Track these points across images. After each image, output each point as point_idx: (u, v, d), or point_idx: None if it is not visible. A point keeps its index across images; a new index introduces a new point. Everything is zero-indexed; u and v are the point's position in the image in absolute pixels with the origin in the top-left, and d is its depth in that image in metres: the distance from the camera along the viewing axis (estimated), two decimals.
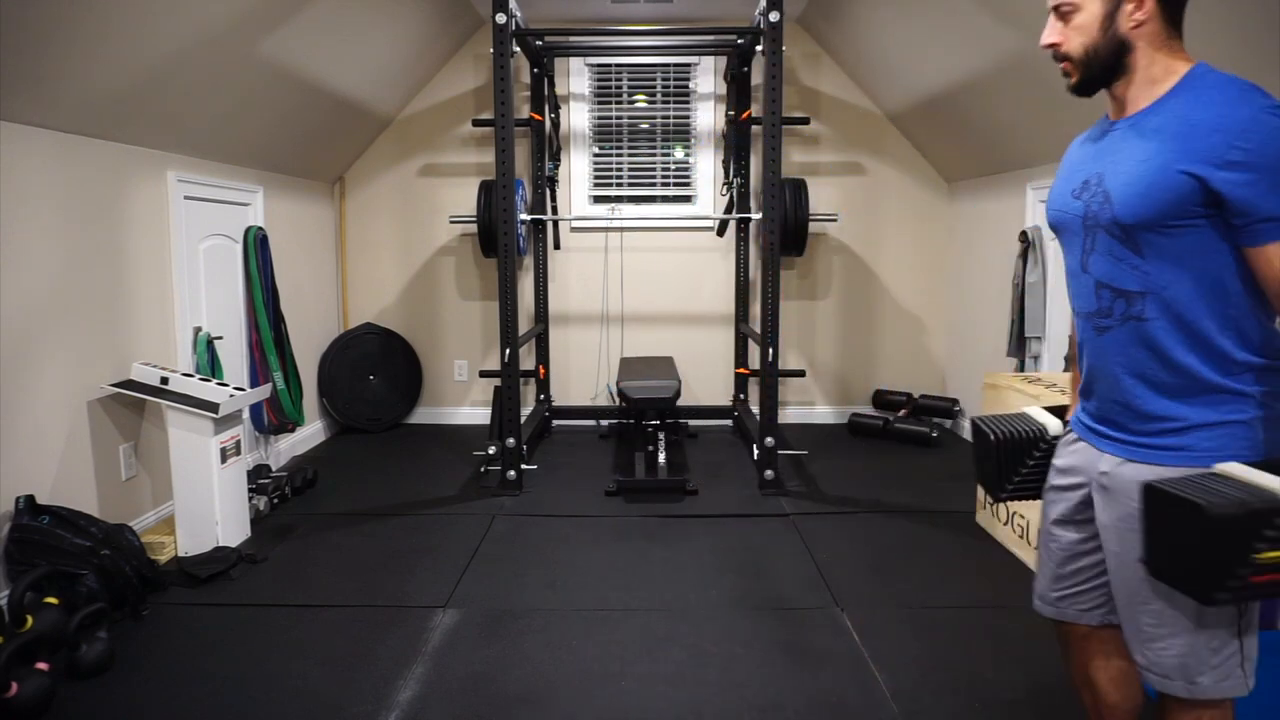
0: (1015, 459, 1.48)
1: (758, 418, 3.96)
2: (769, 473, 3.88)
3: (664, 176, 5.27)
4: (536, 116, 4.87)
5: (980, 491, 3.42)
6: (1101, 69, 1.38)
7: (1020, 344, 4.02)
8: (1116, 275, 1.35)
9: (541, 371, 5.13)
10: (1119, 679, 1.55)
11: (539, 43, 4.58)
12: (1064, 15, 1.39)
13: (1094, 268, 1.38)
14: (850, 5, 4.38)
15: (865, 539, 3.30)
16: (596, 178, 5.25)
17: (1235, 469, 1.22)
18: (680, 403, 4.43)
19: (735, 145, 4.82)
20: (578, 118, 5.15)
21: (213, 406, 2.99)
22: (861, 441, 4.84)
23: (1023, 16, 3.18)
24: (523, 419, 4.35)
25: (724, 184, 4.91)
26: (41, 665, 2.16)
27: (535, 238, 5.05)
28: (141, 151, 3.23)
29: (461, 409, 5.35)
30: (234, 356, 3.88)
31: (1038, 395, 2.95)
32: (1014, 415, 1.54)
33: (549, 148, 4.86)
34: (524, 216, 4.69)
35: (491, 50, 3.70)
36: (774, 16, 3.65)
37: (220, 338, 3.70)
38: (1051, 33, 1.41)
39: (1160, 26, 1.34)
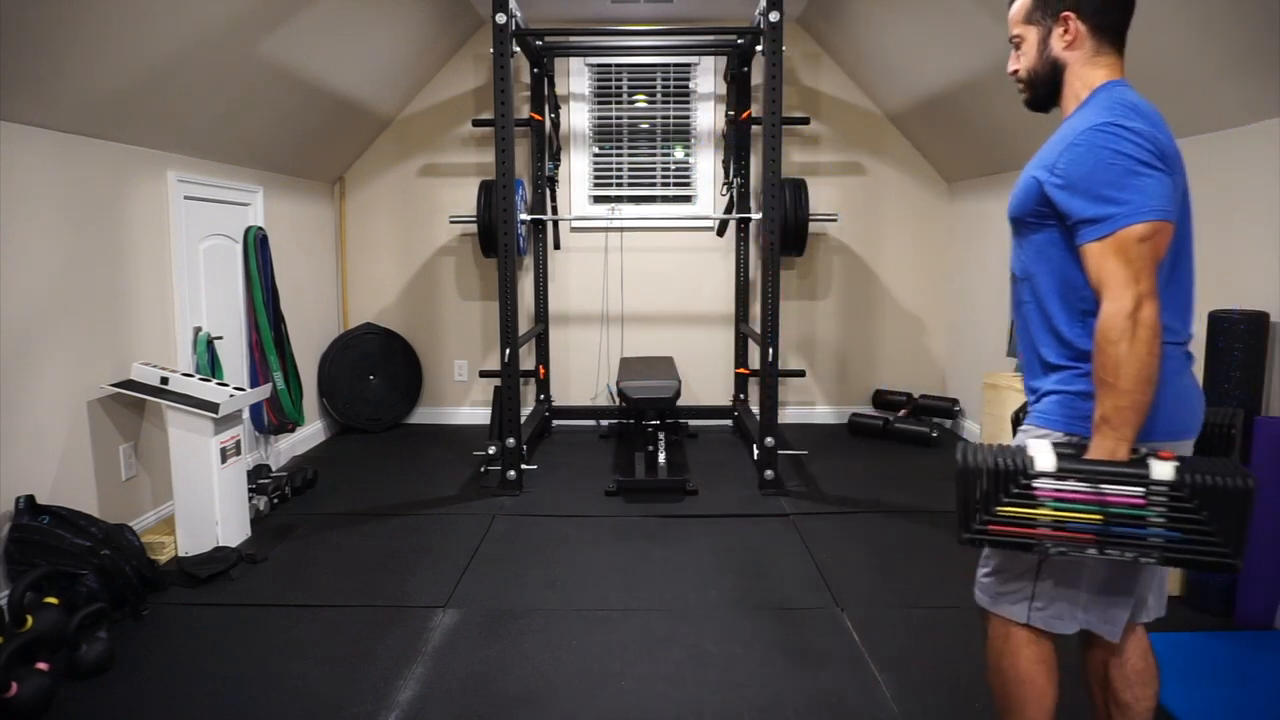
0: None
1: (758, 418, 3.96)
2: (769, 473, 3.89)
3: (664, 176, 5.27)
4: (536, 116, 4.87)
5: None
6: (1044, 87, 1.55)
7: None
8: (1014, 262, 1.59)
9: (541, 371, 5.13)
10: (1132, 678, 1.59)
11: (539, 43, 4.58)
12: (1016, 45, 1.59)
13: (1010, 257, 1.62)
14: (850, 5, 4.38)
15: (865, 539, 3.30)
16: (596, 178, 5.25)
17: (1032, 437, 1.43)
18: (680, 403, 4.43)
19: (735, 145, 4.82)
20: (578, 118, 5.15)
21: (213, 406, 2.99)
22: (861, 441, 4.84)
23: None
24: (523, 419, 4.35)
25: (724, 184, 4.91)
26: (41, 665, 2.16)
27: (535, 238, 5.05)
28: (141, 151, 3.23)
29: (461, 409, 5.35)
30: (234, 356, 3.88)
31: None
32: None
33: (549, 148, 4.86)
34: (524, 216, 4.69)
35: (491, 50, 3.70)
36: (774, 16, 3.65)
37: (220, 338, 3.70)
38: (1011, 61, 1.62)
39: (1090, 47, 1.48)
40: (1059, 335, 1.47)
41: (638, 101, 5.22)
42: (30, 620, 2.24)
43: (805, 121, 4.94)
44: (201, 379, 3.13)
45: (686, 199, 5.28)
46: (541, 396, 5.15)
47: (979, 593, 1.61)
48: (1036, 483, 1.33)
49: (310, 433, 4.77)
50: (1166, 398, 1.40)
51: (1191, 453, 1.50)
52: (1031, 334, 1.53)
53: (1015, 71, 1.60)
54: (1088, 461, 1.34)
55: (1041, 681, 1.55)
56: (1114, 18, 1.47)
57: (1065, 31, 1.48)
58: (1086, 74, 1.48)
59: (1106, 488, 1.31)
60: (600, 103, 5.20)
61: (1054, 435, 1.44)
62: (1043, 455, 1.35)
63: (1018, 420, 1.65)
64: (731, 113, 4.84)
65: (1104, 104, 1.42)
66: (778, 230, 3.81)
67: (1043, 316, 1.50)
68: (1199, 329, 2.69)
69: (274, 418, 4.01)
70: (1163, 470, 1.30)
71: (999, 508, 1.35)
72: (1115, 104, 1.41)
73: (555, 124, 4.88)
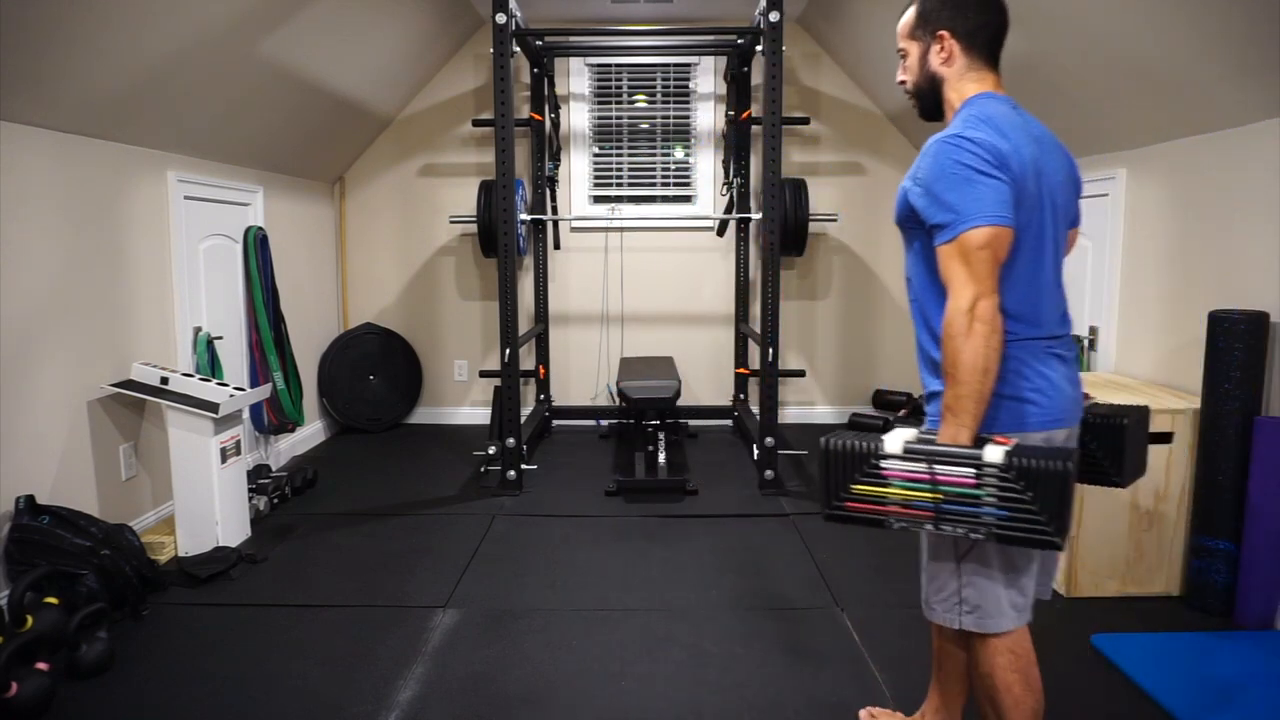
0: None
1: (758, 418, 3.96)
2: (769, 473, 3.88)
3: (664, 176, 5.27)
4: (536, 116, 4.87)
5: None
6: (927, 98, 1.66)
7: None
8: (905, 266, 1.67)
9: (541, 371, 5.13)
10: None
11: (539, 43, 4.58)
12: (903, 58, 1.69)
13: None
14: (850, 5, 4.38)
15: (865, 539, 3.30)
16: (596, 178, 5.25)
17: (910, 428, 1.53)
18: (680, 403, 4.43)
19: (735, 145, 4.82)
20: (578, 118, 5.15)
21: (213, 406, 2.99)
22: None
23: (1023, 16, 3.17)
24: (523, 419, 4.35)
25: (724, 184, 4.91)
26: (41, 665, 2.16)
27: (535, 238, 5.05)
28: (141, 151, 3.23)
29: (461, 409, 5.35)
30: (234, 356, 3.88)
31: None
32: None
33: (549, 148, 4.86)
34: (524, 216, 4.68)
35: (491, 50, 3.70)
36: (774, 16, 3.65)
37: (220, 338, 3.70)
38: (899, 73, 1.71)
39: (963, 63, 1.61)
40: (935, 334, 1.57)
41: (638, 101, 5.22)
42: (30, 620, 2.24)
43: (805, 121, 4.94)
44: (201, 379, 3.13)
45: (686, 199, 5.28)
46: (541, 396, 5.15)
47: (924, 609, 1.70)
48: (884, 464, 1.46)
49: (310, 433, 4.77)
50: (1029, 392, 1.52)
51: (1065, 441, 1.58)
52: (918, 332, 1.64)
53: (903, 82, 1.70)
54: (927, 446, 1.45)
55: (1019, 688, 1.59)
56: (985, 37, 1.60)
57: (941, 49, 1.61)
58: (961, 87, 1.61)
59: (941, 469, 1.42)
60: (600, 103, 5.20)
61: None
62: (890, 440, 1.47)
63: (918, 409, 1.71)
64: (731, 113, 4.84)
65: (963, 116, 1.55)
66: (778, 230, 3.80)
67: (923, 316, 1.61)
68: (1199, 329, 2.71)
69: (274, 418, 4.01)
70: (993, 454, 1.39)
71: (854, 486, 1.48)
72: (969, 116, 1.53)
73: (555, 124, 4.88)
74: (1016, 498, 1.38)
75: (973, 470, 1.40)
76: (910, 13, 1.66)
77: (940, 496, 1.42)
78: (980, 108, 1.54)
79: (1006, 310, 1.48)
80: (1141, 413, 1.71)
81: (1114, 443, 1.63)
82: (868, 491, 1.48)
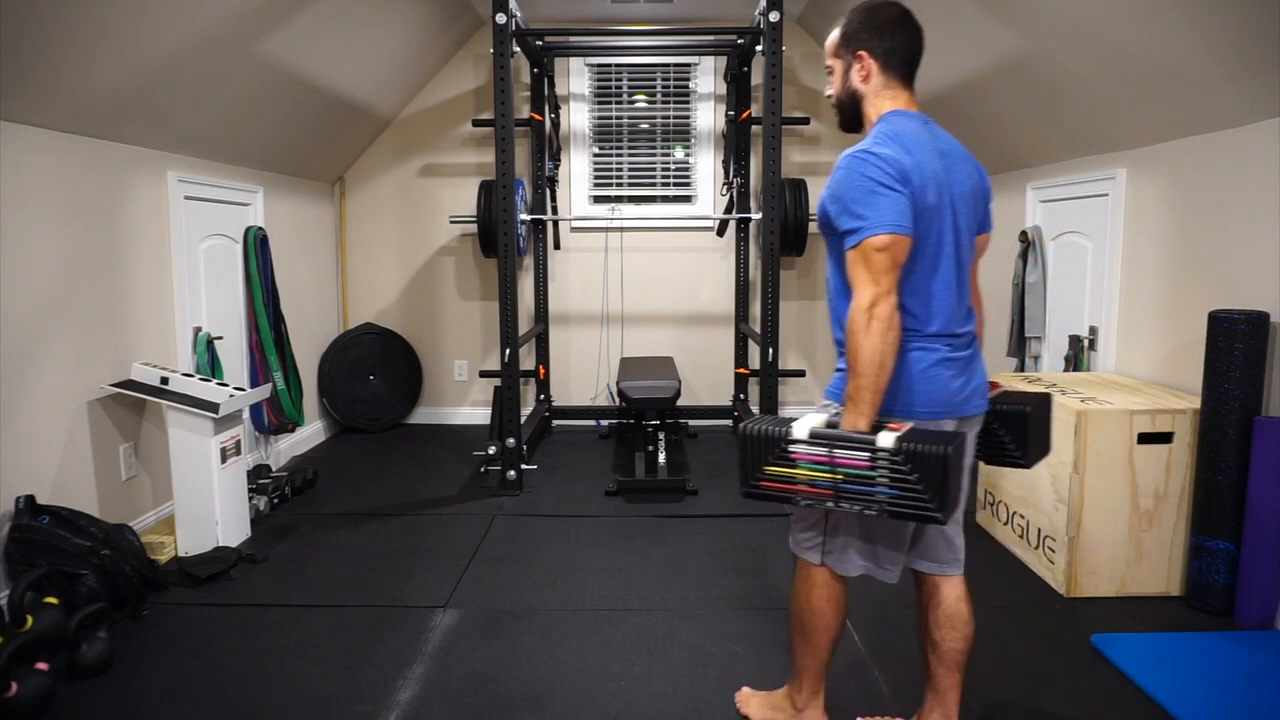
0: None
1: None
2: None
3: (664, 176, 5.27)
4: (536, 116, 4.87)
5: (980, 491, 3.42)
6: (848, 112, 1.81)
7: (1020, 344, 4.02)
8: (827, 267, 1.81)
9: (541, 371, 5.13)
10: (943, 621, 1.85)
11: (539, 43, 4.58)
12: (829, 73, 1.83)
13: None
14: (850, 5, 4.37)
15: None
16: (596, 178, 5.25)
17: (819, 407, 1.72)
18: (680, 403, 4.43)
19: (735, 145, 4.82)
20: (578, 118, 5.15)
21: (213, 406, 2.99)
22: None
23: (1023, 16, 3.18)
24: (523, 419, 4.35)
25: (724, 184, 4.91)
26: (41, 665, 2.16)
27: (535, 238, 5.05)
28: (141, 151, 3.23)
29: (461, 409, 5.35)
30: (234, 356, 3.88)
31: None
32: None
33: (549, 148, 4.86)
34: (524, 216, 4.68)
35: (491, 50, 3.70)
36: (774, 16, 3.65)
37: (220, 338, 3.70)
38: (827, 87, 1.85)
39: (880, 81, 1.75)
40: (842, 325, 1.73)
41: (638, 101, 5.22)
42: (30, 620, 2.24)
43: (805, 121, 4.94)
44: (201, 379, 3.13)
45: (686, 199, 5.28)
46: (541, 396, 5.15)
47: (790, 541, 1.90)
48: (793, 448, 1.61)
49: (310, 433, 4.77)
50: (917, 383, 1.67)
51: (954, 429, 1.71)
52: (832, 328, 1.83)
53: (830, 96, 1.84)
54: (828, 431, 1.60)
55: (829, 614, 1.84)
56: (900, 58, 1.74)
57: (860, 67, 1.75)
58: (878, 103, 1.75)
59: (840, 453, 1.57)
60: (600, 103, 5.20)
61: (834, 405, 1.74)
62: (799, 426, 1.62)
63: None
64: (731, 113, 4.84)
65: (874, 132, 1.70)
66: (778, 230, 3.81)
67: (836, 313, 1.77)
68: (1199, 328, 2.71)
69: (274, 418, 4.01)
70: (885, 439, 1.54)
71: (767, 467, 1.64)
72: (879, 133, 1.67)
73: (555, 124, 4.88)
74: (905, 478, 1.52)
75: (867, 454, 1.55)
76: (835, 33, 1.80)
77: (840, 477, 1.58)
78: (890, 125, 1.69)
79: (905, 309, 1.64)
80: (1044, 399, 1.89)
81: (1019, 428, 1.83)
82: (778, 472, 1.63)
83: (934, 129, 1.73)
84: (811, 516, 1.81)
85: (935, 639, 1.86)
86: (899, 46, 1.74)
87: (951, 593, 1.84)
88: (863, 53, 1.74)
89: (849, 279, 1.62)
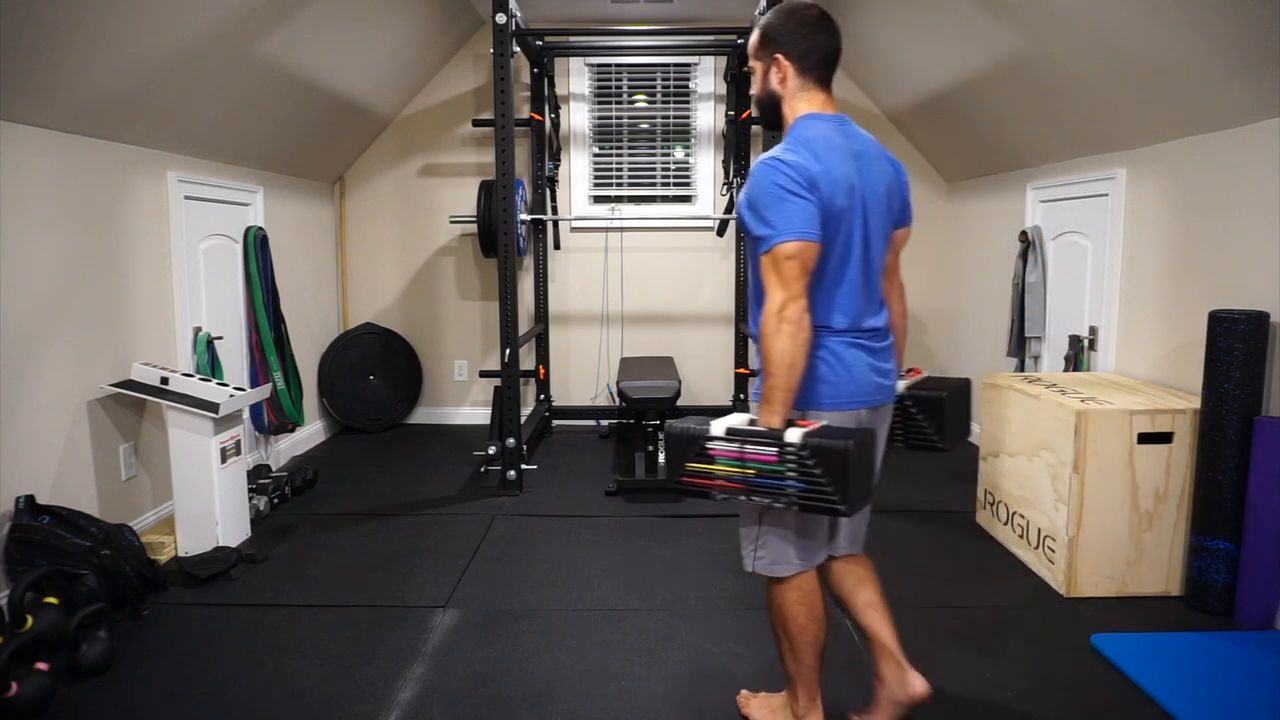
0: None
1: None
2: None
3: (664, 176, 5.27)
4: (536, 116, 4.87)
5: (980, 491, 3.42)
6: (768, 111, 1.85)
7: (1020, 344, 4.02)
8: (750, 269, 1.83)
9: (541, 371, 5.13)
10: (848, 576, 1.98)
11: (539, 43, 4.58)
12: (750, 74, 1.88)
13: None
14: (850, 5, 4.37)
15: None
16: (596, 178, 5.25)
17: (742, 414, 1.75)
18: (680, 403, 4.43)
19: (735, 145, 4.82)
20: (578, 118, 5.15)
21: (213, 406, 2.99)
22: None
23: (1023, 16, 3.18)
24: (523, 419, 4.35)
25: (724, 184, 4.91)
26: (41, 665, 2.16)
27: (535, 238, 5.05)
28: (141, 151, 3.23)
29: (461, 409, 5.35)
30: (234, 356, 3.88)
31: (1037, 395, 2.95)
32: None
33: (549, 148, 4.86)
34: (524, 216, 4.68)
35: (491, 50, 3.70)
36: None
37: (220, 338, 3.70)
38: (751, 86, 1.89)
39: (796, 84, 1.78)
40: (758, 324, 1.77)
41: (638, 101, 5.22)
42: (30, 620, 2.24)
43: None
44: (201, 379, 3.13)
45: (686, 199, 5.28)
46: (541, 396, 5.15)
47: (745, 562, 1.92)
48: (711, 445, 1.70)
49: (310, 433, 4.77)
50: (830, 376, 1.75)
51: (868, 419, 1.81)
52: (750, 326, 1.86)
53: (752, 95, 1.90)
54: (741, 428, 1.68)
55: (803, 618, 1.85)
56: (815, 60, 1.77)
57: (778, 69, 1.79)
58: (795, 105, 1.79)
59: (750, 449, 1.65)
60: (600, 103, 5.20)
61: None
62: (717, 425, 1.71)
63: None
64: (731, 113, 4.83)
65: (787, 138, 1.76)
66: None
67: (751, 310, 1.82)
68: (1199, 329, 2.71)
69: (274, 418, 4.01)
70: (792, 435, 1.61)
71: (690, 464, 1.74)
72: (791, 139, 1.74)
73: (555, 124, 4.88)
74: (811, 472, 1.60)
75: (776, 449, 1.63)
76: (755, 35, 1.84)
77: (751, 472, 1.67)
78: (802, 130, 1.74)
79: (816, 308, 1.71)
80: (960, 386, 1.93)
81: (936, 413, 1.97)
82: (699, 468, 1.74)
83: (849, 129, 1.78)
84: (748, 527, 1.87)
85: (857, 599, 1.97)
86: (815, 48, 1.77)
87: (862, 562, 1.99)
88: (779, 55, 1.78)
89: (763, 284, 1.68)
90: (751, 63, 1.87)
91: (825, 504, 1.61)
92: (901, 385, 1.90)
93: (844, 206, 1.69)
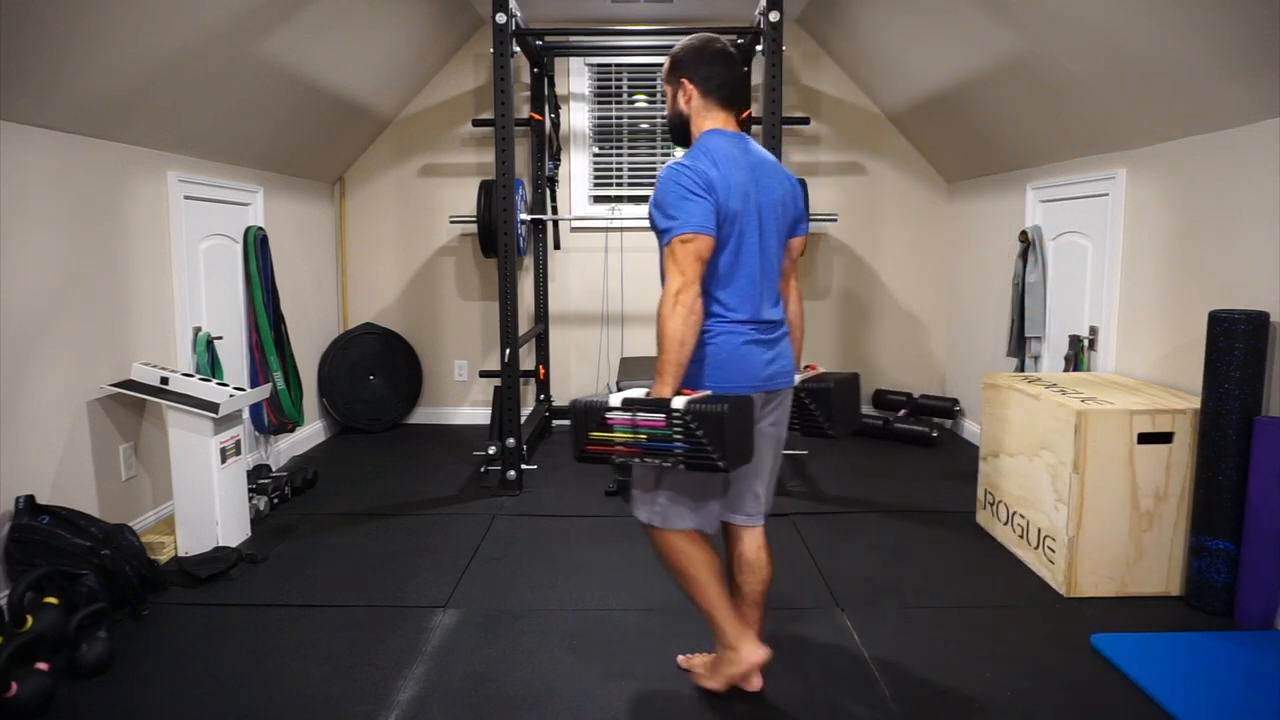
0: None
1: None
2: None
3: None
4: (536, 116, 4.87)
5: (980, 491, 3.42)
6: (678, 130, 2.09)
7: (1020, 344, 4.02)
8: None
9: (541, 371, 5.13)
10: (744, 567, 2.15)
11: (539, 43, 4.57)
12: (664, 96, 2.12)
13: None
14: (850, 5, 4.38)
15: (865, 539, 3.30)
16: (596, 178, 5.25)
17: (640, 387, 1.95)
18: None
19: None
20: (578, 118, 5.15)
21: (213, 406, 2.99)
22: (861, 441, 4.84)
23: (1023, 16, 3.18)
24: (523, 419, 4.35)
25: None
26: (41, 665, 2.16)
27: (535, 238, 5.05)
28: (141, 151, 3.23)
29: (461, 409, 5.35)
30: (234, 356, 3.88)
31: (1037, 395, 2.95)
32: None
33: (549, 148, 4.86)
34: (524, 216, 4.68)
35: (491, 50, 3.70)
36: (774, 16, 3.65)
37: (220, 338, 3.70)
38: (666, 107, 2.11)
39: (701, 105, 2.02)
40: None
41: (638, 101, 5.22)
42: (30, 620, 2.24)
43: (805, 121, 4.94)
44: (201, 379, 3.13)
45: None
46: (541, 396, 5.15)
47: (638, 516, 2.09)
48: (610, 415, 1.88)
49: (310, 433, 4.77)
50: (725, 360, 1.94)
51: (764, 402, 2.02)
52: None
53: (666, 114, 2.13)
54: (634, 399, 1.86)
55: (689, 549, 2.04)
56: (716, 85, 2.01)
57: (684, 93, 2.03)
58: (700, 123, 2.03)
59: (642, 416, 1.84)
60: (600, 103, 5.20)
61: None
62: (615, 397, 1.88)
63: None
64: None
65: (693, 148, 1.99)
66: None
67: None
68: (1199, 329, 2.71)
69: (274, 418, 4.01)
70: (677, 402, 1.81)
71: (592, 433, 1.90)
72: (695, 149, 1.96)
73: (555, 124, 4.88)
74: (694, 434, 1.78)
75: (663, 415, 1.82)
76: (666, 63, 2.08)
77: (644, 437, 1.84)
78: (705, 143, 1.97)
79: (716, 299, 1.93)
80: (849, 378, 2.26)
81: (825, 402, 2.16)
82: (601, 437, 1.90)
83: (747, 145, 2.01)
84: (645, 491, 2.05)
85: (739, 582, 2.15)
86: (715, 75, 2.01)
87: (752, 543, 2.14)
88: (685, 80, 2.02)
89: (665, 271, 1.90)
90: (664, 86, 2.11)
91: (706, 462, 1.79)
92: (797, 379, 2.16)
93: (738, 209, 1.91)
